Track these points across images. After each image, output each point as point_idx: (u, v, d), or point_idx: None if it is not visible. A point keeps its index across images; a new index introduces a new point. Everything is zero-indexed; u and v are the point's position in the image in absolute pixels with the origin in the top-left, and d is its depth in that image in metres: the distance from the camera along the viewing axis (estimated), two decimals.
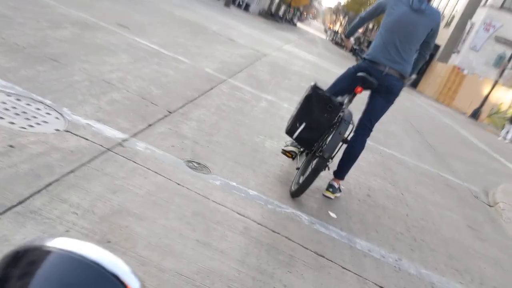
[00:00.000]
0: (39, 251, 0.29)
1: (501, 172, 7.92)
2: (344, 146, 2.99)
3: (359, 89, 2.85)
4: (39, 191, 1.79)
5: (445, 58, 25.06)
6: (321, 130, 2.80)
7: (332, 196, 3.06)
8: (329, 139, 2.69)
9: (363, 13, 3.22)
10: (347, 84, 2.97)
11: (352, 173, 3.99)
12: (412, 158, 5.77)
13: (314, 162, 2.73)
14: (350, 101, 2.98)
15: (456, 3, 26.23)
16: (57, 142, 2.28)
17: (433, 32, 2.87)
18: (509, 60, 18.81)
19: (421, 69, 26.40)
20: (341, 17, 41.69)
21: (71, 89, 3.16)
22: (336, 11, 47.10)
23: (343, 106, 2.82)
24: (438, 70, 24.90)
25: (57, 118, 2.60)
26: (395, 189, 4.10)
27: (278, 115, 5.04)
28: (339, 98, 2.89)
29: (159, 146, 2.76)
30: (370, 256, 2.45)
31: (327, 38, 44.91)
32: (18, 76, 3.02)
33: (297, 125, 2.82)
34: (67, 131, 2.45)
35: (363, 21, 3.19)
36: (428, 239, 3.14)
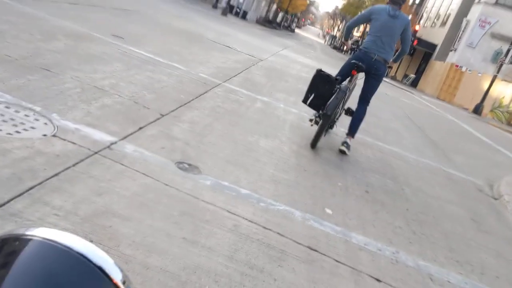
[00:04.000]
0: (23, 239, 0.28)
1: (506, 165, 7.82)
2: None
3: (354, 71, 4.07)
4: (20, 195, 1.76)
5: (443, 57, 25.02)
6: (325, 98, 3.94)
7: (345, 149, 4.16)
8: (329, 102, 3.85)
9: (350, 22, 4.36)
10: (346, 70, 4.18)
11: (350, 169, 3.95)
12: (412, 154, 5.70)
13: (321, 119, 3.96)
14: (350, 81, 4.23)
15: (451, 2, 26.25)
16: (43, 147, 2.26)
17: (405, 30, 4.07)
18: (506, 55, 18.71)
19: (420, 69, 26.26)
20: (339, 21, 41.83)
21: (61, 96, 3.15)
22: (334, 15, 47.23)
23: (339, 81, 3.99)
24: (437, 69, 24.85)
25: (45, 124, 2.59)
26: (395, 184, 4.04)
27: (274, 115, 5.01)
28: (345, 82, 4.08)
29: (149, 148, 2.73)
30: (366, 250, 2.39)
31: (326, 43, 45.11)
32: (8, 85, 3.02)
33: (309, 95, 4.09)
34: (54, 136, 2.43)
35: (351, 28, 4.47)
36: (428, 232, 3.07)
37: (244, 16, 31.96)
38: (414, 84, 26.51)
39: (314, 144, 4.00)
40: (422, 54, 27.34)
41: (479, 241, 3.31)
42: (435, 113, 14.18)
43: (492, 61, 20.11)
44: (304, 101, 4.15)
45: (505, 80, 18.56)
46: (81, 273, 0.27)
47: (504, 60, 18.15)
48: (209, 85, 5.37)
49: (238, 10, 31.78)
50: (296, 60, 14.21)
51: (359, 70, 4.02)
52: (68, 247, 0.28)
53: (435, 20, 28.21)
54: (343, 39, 4.52)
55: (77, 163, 2.20)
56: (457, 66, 22.13)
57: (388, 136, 6.28)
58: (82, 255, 0.27)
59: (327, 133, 4.25)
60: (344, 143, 4.19)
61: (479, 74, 20.06)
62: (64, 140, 2.42)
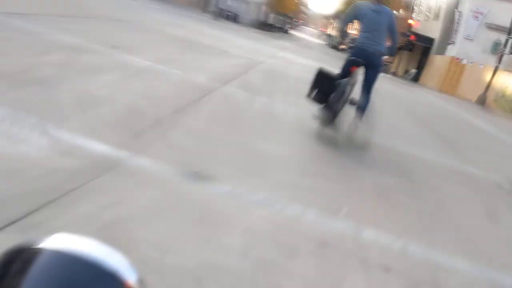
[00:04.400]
0: (32, 250, 0.28)
1: None
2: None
3: (353, 68, 4.30)
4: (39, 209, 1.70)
5: (442, 50, 25.02)
6: (327, 93, 4.25)
7: (355, 128, 4.42)
8: (332, 96, 4.21)
9: (340, 23, 4.81)
10: (346, 68, 4.37)
11: (362, 168, 3.88)
12: (422, 150, 5.61)
13: (324, 110, 4.31)
14: (351, 77, 4.34)
15: None
16: (38, 159, 2.20)
17: (391, 22, 4.33)
18: (505, 45, 18.68)
19: (421, 63, 26.11)
20: (332, 20, 41.92)
21: (57, 107, 3.10)
22: (328, 16, 47.33)
23: (340, 77, 4.29)
24: (437, 63, 24.83)
25: (41, 135, 2.53)
26: (408, 182, 3.95)
27: (273, 115, 4.96)
28: (347, 79, 4.31)
29: (148, 155, 2.67)
30: (376, 243, 2.36)
31: (324, 43, 45.03)
32: (2, 99, 2.97)
33: (313, 91, 4.36)
34: (50, 148, 2.37)
35: (343, 28, 4.73)
36: (440, 227, 3.00)
37: (235, 19, 32.00)
38: (415, 79, 26.50)
39: (322, 134, 4.42)
40: (421, 49, 27.32)
41: (493, 233, 3.25)
42: (439, 106, 14.13)
43: (491, 52, 20.06)
44: (308, 96, 4.44)
45: (508, 71, 18.48)
46: (94, 277, 0.27)
47: (504, 51, 18.11)
48: (207, 89, 5.32)
49: (229, 14, 31.82)
50: (294, 61, 14.19)
51: (358, 65, 4.29)
52: (81, 252, 0.28)
53: (427, 13, 28.23)
54: (339, 39, 4.77)
55: (75, 175, 2.14)
56: (457, 59, 22.09)
57: (396, 133, 6.22)
58: (94, 261, 0.28)
59: (333, 128, 4.38)
60: (353, 124, 4.51)
61: (481, 66, 20.00)
62: (60, 151, 2.36)
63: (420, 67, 27.21)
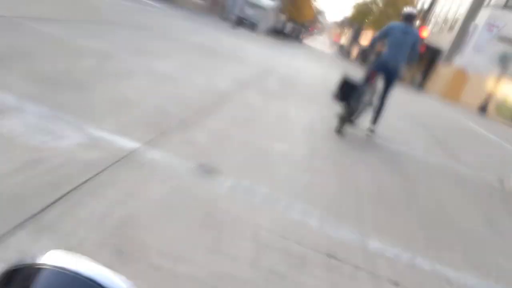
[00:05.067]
0: (31, 268, 0.28)
1: None
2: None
3: (374, 76, 5.09)
4: (55, 202, 1.90)
5: (449, 60, 25.04)
6: (349, 94, 4.90)
7: (369, 133, 5.43)
8: (354, 98, 4.89)
9: (373, 37, 5.46)
10: (369, 75, 5.10)
11: (362, 172, 4.09)
12: (422, 153, 5.83)
13: (346, 111, 4.97)
14: (371, 83, 5.13)
15: (458, 7, 26.25)
16: (75, 154, 2.46)
17: (414, 43, 5.04)
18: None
19: (424, 73, 26.06)
20: (346, 30, 42.13)
21: (91, 107, 3.41)
22: (341, 24, 47.61)
23: (361, 83, 5.04)
24: (443, 72, 24.92)
25: (77, 133, 2.81)
26: (407, 185, 4.17)
27: (287, 119, 5.21)
28: (367, 84, 5.10)
29: (173, 153, 2.94)
30: (384, 256, 2.41)
31: (334, 52, 45.33)
32: (42, 99, 3.28)
33: (337, 94, 5.01)
34: (85, 144, 2.64)
35: (375, 43, 5.44)
36: (443, 236, 3.13)
37: (253, 28, 32.44)
38: (420, 86, 26.56)
39: (339, 130, 5.03)
40: (429, 58, 27.31)
41: (494, 243, 3.38)
42: (441, 112, 14.19)
43: (498, 64, 19.96)
44: (333, 96, 5.13)
45: (510, 80, 18.47)
46: None
47: (510, 62, 18.05)
48: (227, 94, 5.62)
49: (247, 22, 32.22)
50: (306, 69, 14.47)
51: (378, 74, 5.10)
52: (78, 273, 0.27)
53: (443, 25, 28.21)
54: (367, 49, 5.75)
55: (104, 169, 2.36)
56: (464, 69, 22.04)
57: (398, 136, 6.43)
58: (93, 280, 0.27)
59: (352, 125, 5.18)
60: (369, 129, 5.42)
61: (485, 75, 19.95)
62: (94, 147, 2.63)
63: (426, 75, 27.32)
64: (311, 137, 4.78)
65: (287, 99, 6.88)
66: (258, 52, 14.75)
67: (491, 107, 18.60)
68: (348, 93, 4.91)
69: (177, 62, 7.17)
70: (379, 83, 5.25)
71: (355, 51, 31.99)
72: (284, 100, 6.62)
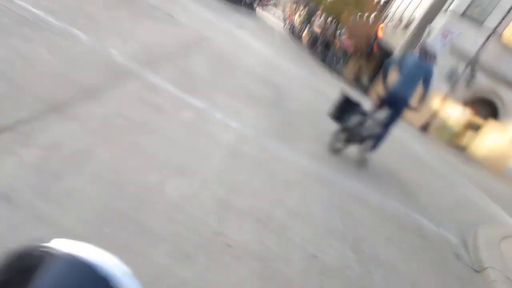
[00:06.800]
0: (35, 253, 0.29)
1: (470, 201, 7.13)
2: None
3: (381, 105, 5.07)
4: None
5: None
6: (348, 115, 4.85)
7: (364, 161, 5.14)
8: (355, 122, 4.82)
9: (385, 64, 5.47)
10: (377, 104, 5.16)
11: (299, 236, 2.56)
12: (373, 192, 4.48)
13: (345, 135, 4.94)
14: (378, 112, 5.03)
15: (416, 7, 26.07)
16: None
17: (426, 77, 4.98)
18: (462, 74, 18.69)
19: (373, 75, 25.86)
20: (301, 8, 40.35)
21: None
22: (297, 0, 45.48)
23: (361, 107, 5.03)
24: (392, 77, 24.55)
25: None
26: (359, 262, 2.76)
27: (205, 132, 3.47)
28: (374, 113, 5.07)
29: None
30: None
31: (285, 28, 43.87)
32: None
33: (335, 112, 4.94)
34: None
35: (387, 70, 5.34)
36: None
37: None
38: (365, 90, 25.84)
39: (336, 151, 4.96)
40: (380, 57, 26.91)
41: None
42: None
43: (446, 79, 19.85)
44: (330, 116, 4.99)
45: (455, 100, 18.53)
46: (94, 285, 0.27)
47: (458, 80, 18.08)
48: (118, 73, 3.68)
49: None
50: (250, 45, 12.59)
51: (384, 105, 5.04)
52: (83, 259, 0.28)
53: (398, 22, 27.95)
54: (381, 79, 5.43)
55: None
56: None
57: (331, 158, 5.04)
58: (96, 266, 0.27)
59: (347, 146, 4.98)
60: (363, 156, 5.13)
61: (432, 92, 19.84)
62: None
63: (375, 77, 26.71)
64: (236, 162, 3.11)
65: (215, 92, 5.04)
66: (199, 15, 12.42)
67: (432, 128, 18.44)
68: (346, 113, 4.84)
69: (58, 2, 4.94)
70: (384, 112, 5.05)
71: (306, 35, 30.58)
72: (208, 95, 4.76)
